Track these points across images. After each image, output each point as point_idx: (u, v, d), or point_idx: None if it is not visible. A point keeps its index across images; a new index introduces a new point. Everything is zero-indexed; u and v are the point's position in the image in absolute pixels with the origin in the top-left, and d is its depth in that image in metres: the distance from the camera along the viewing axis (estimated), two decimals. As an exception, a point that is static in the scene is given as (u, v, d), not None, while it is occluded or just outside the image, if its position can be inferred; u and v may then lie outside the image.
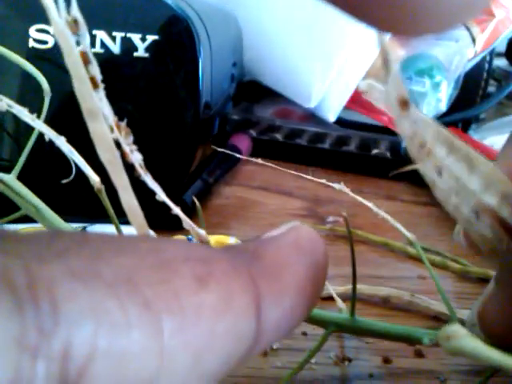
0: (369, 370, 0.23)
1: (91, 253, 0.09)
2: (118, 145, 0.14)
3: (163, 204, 0.15)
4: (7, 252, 0.08)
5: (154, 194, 0.15)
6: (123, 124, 0.14)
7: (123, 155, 0.13)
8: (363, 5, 0.10)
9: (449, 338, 0.10)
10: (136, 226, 0.14)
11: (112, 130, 0.13)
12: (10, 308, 0.07)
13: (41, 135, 0.23)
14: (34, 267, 0.08)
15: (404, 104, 0.11)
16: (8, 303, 0.07)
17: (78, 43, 0.12)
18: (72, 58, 0.12)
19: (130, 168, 0.14)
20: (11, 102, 0.18)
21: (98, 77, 0.13)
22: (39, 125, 0.17)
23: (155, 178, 0.15)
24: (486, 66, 0.48)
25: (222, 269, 0.11)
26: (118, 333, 0.08)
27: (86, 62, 0.13)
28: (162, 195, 0.15)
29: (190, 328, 0.09)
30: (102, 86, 0.13)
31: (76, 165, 0.19)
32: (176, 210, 0.16)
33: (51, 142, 0.18)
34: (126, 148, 0.13)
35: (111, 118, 0.13)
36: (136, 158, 0.14)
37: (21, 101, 0.20)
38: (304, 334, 0.25)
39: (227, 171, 0.39)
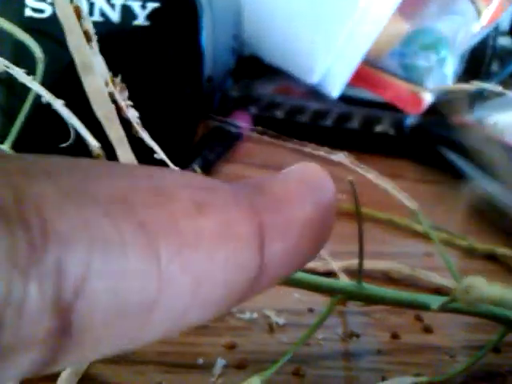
0: (377, 346, 0.23)
1: (83, 173, 0.09)
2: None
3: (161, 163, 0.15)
4: None
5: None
6: (118, 79, 0.13)
7: (119, 110, 0.13)
8: None
9: (468, 289, 0.10)
10: None
11: (107, 85, 0.13)
12: None
13: (35, 107, 0.22)
14: (21, 184, 0.08)
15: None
16: None
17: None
18: (64, 11, 0.12)
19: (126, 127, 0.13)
20: (8, 63, 0.17)
21: (92, 30, 0.13)
22: (36, 86, 0.16)
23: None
24: (491, 42, 0.47)
25: (222, 197, 0.10)
26: (113, 251, 0.08)
27: (79, 15, 0.12)
28: (159, 152, 0.14)
29: (188, 252, 0.09)
30: (95, 39, 0.13)
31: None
32: (174, 168, 0.16)
33: (47, 113, 0.17)
34: (122, 103, 0.13)
35: (106, 72, 0.13)
36: (132, 114, 0.14)
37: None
38: (310, 310, 0.24)
39: (228, 148, 0.38)
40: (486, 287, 0.11)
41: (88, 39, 0.12)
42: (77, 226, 0.08)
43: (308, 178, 0.13)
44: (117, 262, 0.08)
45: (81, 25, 0.12)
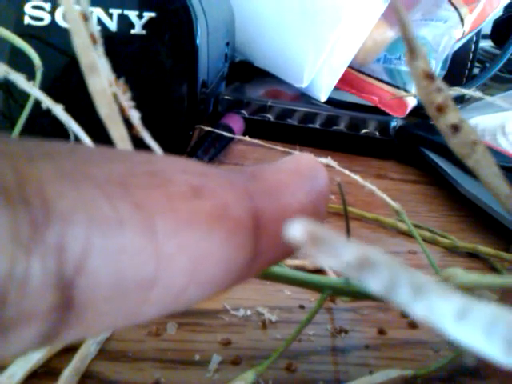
0: (365, 342, 0.23)
1: (82, 157, 0.09)
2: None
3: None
4: None
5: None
6: (121, 81, 0.14)
7: (121, 110, 0.14)
8: None
9: (448, 278, 0.11)
10: None
11: (111, 86, 0.13)
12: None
13: (34, 113, 0.23)
14: (23, 167, 0.08)
15: (429, 77, 0.12)
16: None
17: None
18: (72, 16, 0.13)
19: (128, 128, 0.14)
20: (8, 69, 0.18)
21: (97, 33, 0.13)
22: (36, 92, 0.17)
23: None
24: (472, 46, 0.48)
25: (218, 182, 0.10)
26: (111, 230, 0.08)
27: (85, 19, 0.13)
28: (159, 152, 0.15)
29: (185, 231, 0.09)
30: (100, 41, 0.13)
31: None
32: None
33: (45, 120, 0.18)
34: (125, 104, 0.14)
35: (110, 73, 0.13)
36: (134, 114, 0.14)
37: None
38: (301, 307, 0.25)
39: (221, 150, 0.39)
40: (462, 277, 0.11)
41: (93, 41, 0.13)
42: (76, 206, 0.08)
43: (302, 167, 0.13)
44: (115, 239, 0.08)
45: (86, 28, 0.13)
